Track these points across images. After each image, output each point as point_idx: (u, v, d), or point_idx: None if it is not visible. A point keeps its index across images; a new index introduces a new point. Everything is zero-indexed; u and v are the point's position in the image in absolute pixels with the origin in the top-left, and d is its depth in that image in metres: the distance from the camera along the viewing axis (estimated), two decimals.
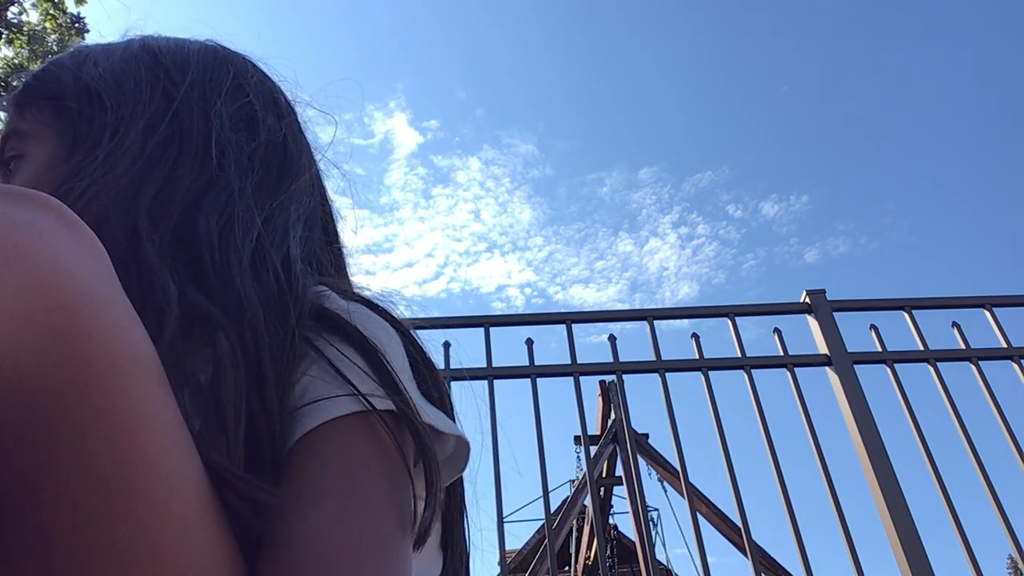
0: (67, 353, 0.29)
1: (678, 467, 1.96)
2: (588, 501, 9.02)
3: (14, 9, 8.86)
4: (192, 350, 0.43)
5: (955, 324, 2.18)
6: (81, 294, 0.30)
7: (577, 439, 9.91)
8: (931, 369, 2.09)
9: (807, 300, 2.23)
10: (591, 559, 11.13)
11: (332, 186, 0.65)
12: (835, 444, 2.10)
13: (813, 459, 1.95)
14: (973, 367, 2.10)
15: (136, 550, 0.31)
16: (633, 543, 10.65)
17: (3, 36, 8.60)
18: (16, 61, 8.67)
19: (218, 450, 0.39)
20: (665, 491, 9.76)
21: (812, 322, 2.20)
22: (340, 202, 0.66)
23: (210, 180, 0.53)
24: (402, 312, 0.54)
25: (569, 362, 2.05)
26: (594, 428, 9.66)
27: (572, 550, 11.22)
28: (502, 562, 1.94)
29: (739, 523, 1.87)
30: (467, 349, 2.28)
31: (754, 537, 1.87)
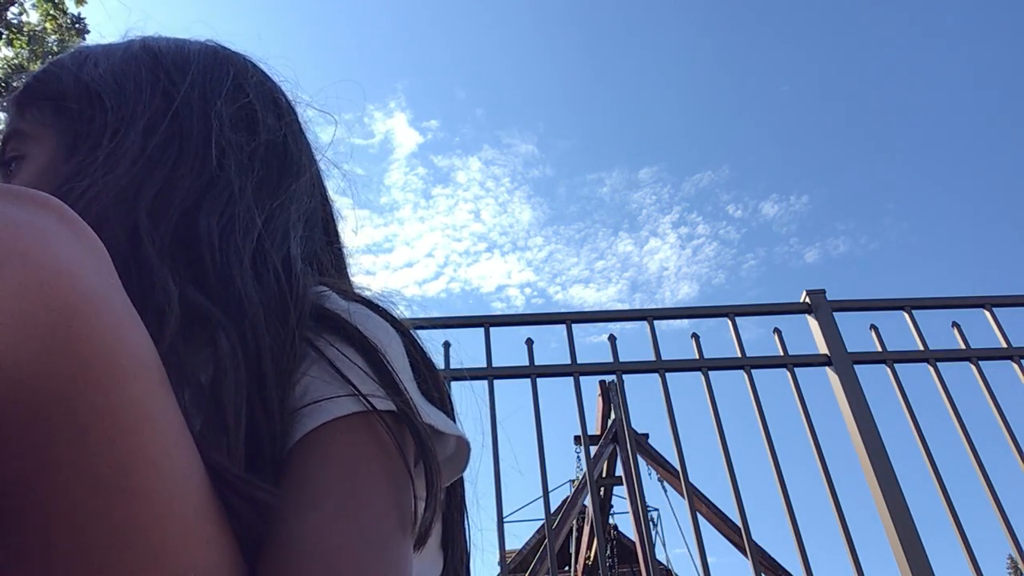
0: (68, 353, 0.29)
1: (678, 467, 1.96)
2: (588, 501, 9.02)
3: (14, 9, 8.86)
4: (193, 350, 0.43)
5: (955, 324, 2.18)
6: (82, 294, 0.30)
7: (577, 439, 9.91)
8: (931, 369, 2.08)
9: (807, 300, 2.23)
10: (591, 559, 11.13)
11: (332, 186, 0.65)
12: (835, 444, 2.10)
13: (813, 459, 1.95)
14: (973, 367, 2.10)
15: (137, 550, 0.31)
16: (633, 543, 10.65)
17: (3, 36, 8.60)
18: (16, 62, 8.67)
19: (219, 450, 0.39)
20: (665, 491, 9.76)
21: (812, 322, 2.20)
22: (340, 202, 0.66)
23: (210, 180, 0.53)
24: (402, 312, 0.54)
25: (569, 362, 2.05)
26: (594, 428, 9.66)
27: (572, 550, 11.22)
28: (502, 562, 1.93)
29: (739, 523, 1.87)
30: (467, 349, 2.29)
31: (754, 537, 1.87)
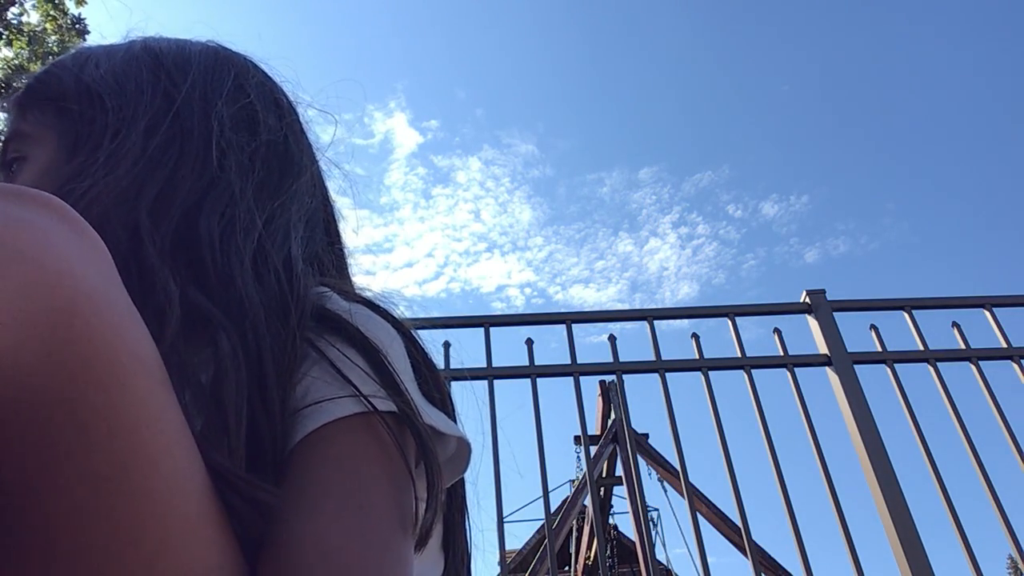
0: (69, 352, 0.29)
1: (678, 467, 1.96)
2: (588, 501, 9.02)
3: (14, 10, 8.85)
4: (193, 350, 0.43)
5: (955, 324, 2.18)
6: (83, 294, 0.30)
7: (577, 439, 9.91)
8: (931, 369, 2.08)
9: (807, 300, 2.23)
10: (591, 559, 11.13)
11: (333, 186, 0.65)
12: (835, 444, 2.10)
13: (813, 459, 1.95)
14: (973, 367, 2.10)
15: (138, 550, 0.31)
16: (633, 543, 10.65)
17: (3, 37, 8.60)
18: (16, 62, 8.66)
19: (220, 450, 0.39)
20: (665, 491, 9.76)
21: (812, 322, 2.20)
22: (340, 202, 0.66)
23: (211, 181, 0.53)
24: (402, 312, 0.54)
25: (569, 362, 2.05)
26: (594, 428, 9.66)
27: (572, 550, 11.22)
28: (502, 562, 1.93)
29: (739, 523, 1.87)
30: (467, 349, 2.29)
31: (754, 537, 1.87)
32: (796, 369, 2.09)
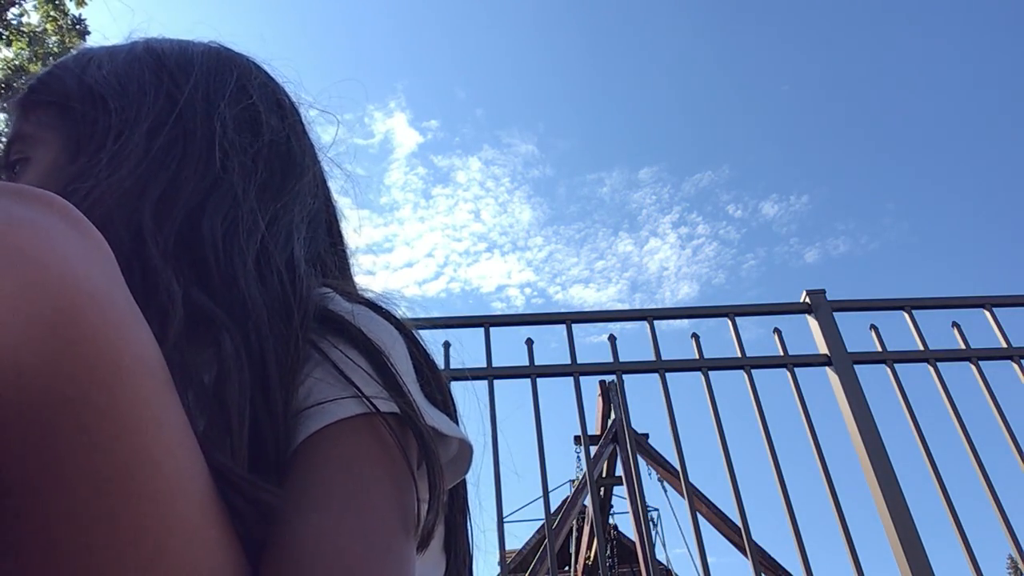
0: (72, 353, 0.29)
1: (678, 467, 1.96)
2: (588, 501, 9.02)
3: (15, 10, 8.85)
4: (196, 351, 0.43)
5: (955, 324, 2.18)
6: (86, 294, 0.30)
7: (577, 439, 9.91)
8: (931, 369, 2.08)
9: (807, 300, 2.23)
10: (591, 559, 11.12)
11: (334, 186, 0.65)
12: (835, 444, 2.10)
13: (813, 459, 1.95)
14: (973, 367, 2.10)
15: (140, 551, 0.31)
16: (633, 543, 10.64)
17: (3, 38, 8.59)
18: (16, 63, 8.66)
19: (222, 451, 0.39)
20: (665, 491, 9.76)
21: (812, 322, 2.20)
22: (341, 202, 0.66)
23: (214, 182, 0.53)
24: (403, 313, 0.54)
25: (569, 362, 2.05)
26: (594, 428, 9.66)
27: (572, 550, 11.22)
28: (502, 562, 1.93)
29: (739, 523, 1.87)
30: (467, 349, 2.29)
31: (754, 537, 1.87)
32: (796, 369, 2.09)
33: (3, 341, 0.27)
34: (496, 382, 1.99)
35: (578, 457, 10.74)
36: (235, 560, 0.36)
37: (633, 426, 2.36)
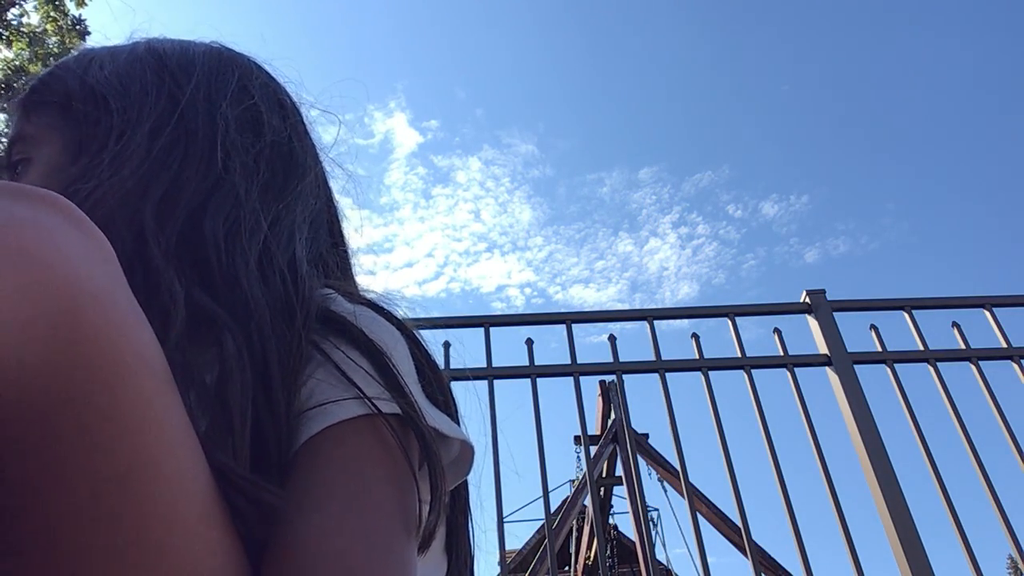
0: (73, 353, 0.29)
1: (678, 467, 1.96)
2: (588, 501, 9.01)
3: (15, 11, 8.85)
4: (199, 351, 0.43)
5: (955, 324, 2.18)
6: (89, 294, 0.30)
7: (577, 439, 9.91)
8: (931, 369, 2.09)
9: (807, 300, 2.23)
10: (591, 559, 11.12)
11: (335, 186, 0.65)
12: (835, 444, 2.10)
13: (813, 459, 1.95)
14: (973, 367, 2.10)
15: (141, 551, 0.31)
16: (633, 543, 10.64)
17: (3, 38, 8.59)
18: (16, 63, 8.66)
19: (224, 451, 0.39)
20: (665, 491, 9.76)
21: (812, 322, 2.20)
22: (341, 202, 0.66)
23: (216, 182, 0.53)
24: (403, 313, 0.54)
25: (569, 362, 2.05)
26: (594, 428, 9.65)
27: (572, 550, 11.21)
28: (502, 562, 1.93)
29: (739, 523, 1.87)
30: (467, 349, 2.29)
31: (754, 537, 1.87)
32: (796, 369, 2.09)
33: (4, 340, 0.27)
34: (496, 382, 1.99)
35: (578, 457, 10.74)
36: (236, 561, 0.36)
37: (633, 426, 2.36)
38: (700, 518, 2.08)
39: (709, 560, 1.81)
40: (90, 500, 0.30)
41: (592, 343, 2.53)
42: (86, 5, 8.90)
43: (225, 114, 0.56)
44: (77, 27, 8.92)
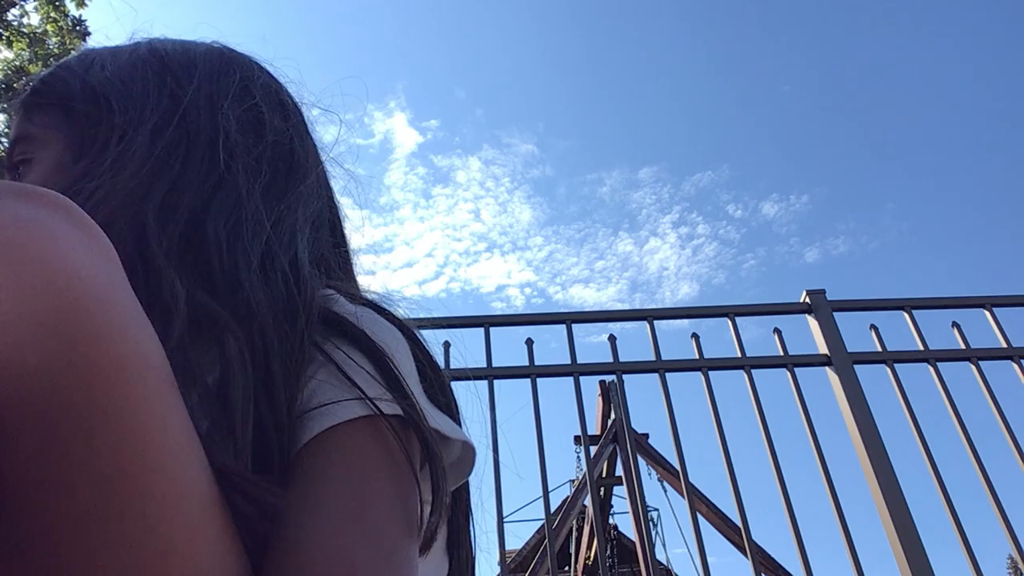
0: (75, 354, 0.29)
1: (678, 467, 1.96)
2: (588, 501, 9.01)
3: (15, 11, 8.85)
4: (201, 352, 0.43)
5: (955, 324, 2.18)
6: (91, 295, 0.30)
7: (577, 439, 9.91)
8: (931, 369, 2.09)
9: (807, 300, 2.23)
10: (591, 559, 11.12)
11: (336, 186, 0.65)
12: (835, 444, 2.10)
13: (813, 459, 1.95)
14: (973, 367, 2.10)
15: (143, 552, 0.31)
16: (633, 543, 10.64)
17: (3, 38, 8.59)
18: (17, 63, 8.66)
19: (225, 452, 0.39)
20: (665, 491, 9.75)
21: (812, 322, 2.21)
22: (341, 202, 0.66)
23: (218, 183, 0.53)
24: (403, 313, 0.54)
25: (569, 362, 2.05)
26: (594, 428, 9.65)
27: (572, 550, 11.21)
28: (502, 562, 1.94)
29: (739, 523, 1.87)
30: (467, 349, 2.29)
31: (754, 537, 1.87)
32: (796, 369, 2.09)
33: (6, 341, 0.27)
34: (496, 382, 2.00)
35: (578, 457, 10.74)
36: (237, 560, 0.36)
37: (633, 426, 2.36)
38: (700, 518, 2.08)
39: (709, 560, 1.81)
40: (92, 500, 0.30)
41: (592, 343, 2.53)
42: (86, 6, 8.91)
43: (227, 114, 0.56)
44: (77, 28, 8.92)
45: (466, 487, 0.55)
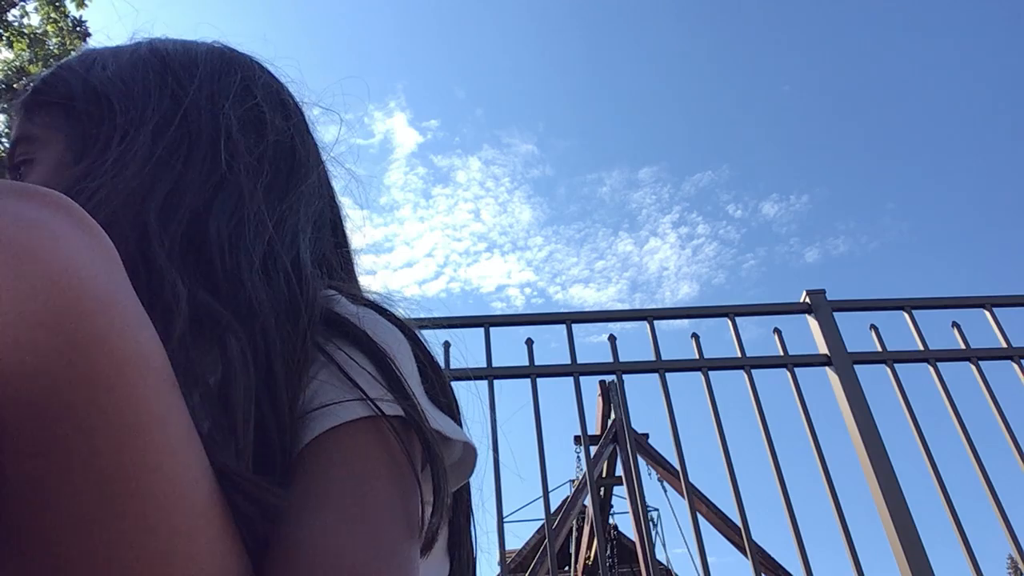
0: (76, 354, 0.29)
1: (678, 467, 1.96)
2: (588, 501, 9.01)
3: (15, 12, 8.85)
4: (202, 352, 0.43)
5: (955, 324, 2.18)
6: (92, 295, 0.30)
7: (577, 439, 9.90)
8: (931, 369, 2.09)
9: (807, 300, 2.23)
10: (591, 559, 11.11)
11: (337, 186, 0.65)
12: (835, 444, 2.10)
13: (813, 459, 1.95)
14: (973, 367, 2.10)
15: (144, 552, 0.31)
16: (633, 543, 10.64)
17: (4, 39, 8.59)
18: (17, 64, 8.66)
19: (227, 452, 0.39)
20: (665, 491, 9.75)
21: (812, 322, 2.20)
22: (342, 202, 0.66)
23: (220, 182, 0.53)
24: (402, 313, 0.54)
25: (569, 362, 2.05)
26: (594, 428, 9.64)
27: (572, 550, 11.21)
28: (502, 562, 1.94)
29: (739, 523, 1.87)
30: (467, 349, 2.29)
31: (754, 537, 1.87)
32: (796, 369, 2.09)
33: (6, 341, 0.27)
34: (496, 382, 2.00)
35: (578, 457, 10.73)
36: (238, 561, 0.36)
37: (633, 426, 2.36)
38: (700, 518, 2.08)
39: (709, 560, 1.81)
40: (93, 501, 0.30)
41: (592, 343, 2.53)
42: (86, 6, 8.91)
43: (228, 114, 0.56)
44: (78, 28, 8.92)
45: (467, 488, 0.55)
